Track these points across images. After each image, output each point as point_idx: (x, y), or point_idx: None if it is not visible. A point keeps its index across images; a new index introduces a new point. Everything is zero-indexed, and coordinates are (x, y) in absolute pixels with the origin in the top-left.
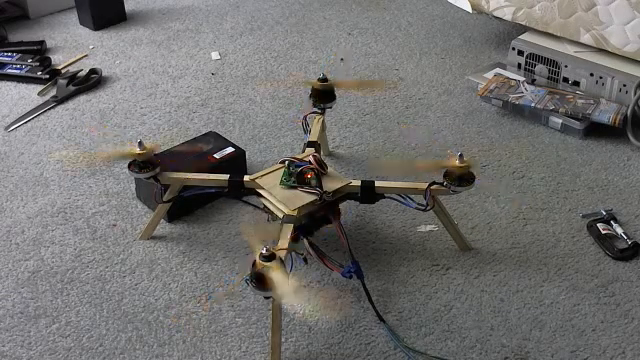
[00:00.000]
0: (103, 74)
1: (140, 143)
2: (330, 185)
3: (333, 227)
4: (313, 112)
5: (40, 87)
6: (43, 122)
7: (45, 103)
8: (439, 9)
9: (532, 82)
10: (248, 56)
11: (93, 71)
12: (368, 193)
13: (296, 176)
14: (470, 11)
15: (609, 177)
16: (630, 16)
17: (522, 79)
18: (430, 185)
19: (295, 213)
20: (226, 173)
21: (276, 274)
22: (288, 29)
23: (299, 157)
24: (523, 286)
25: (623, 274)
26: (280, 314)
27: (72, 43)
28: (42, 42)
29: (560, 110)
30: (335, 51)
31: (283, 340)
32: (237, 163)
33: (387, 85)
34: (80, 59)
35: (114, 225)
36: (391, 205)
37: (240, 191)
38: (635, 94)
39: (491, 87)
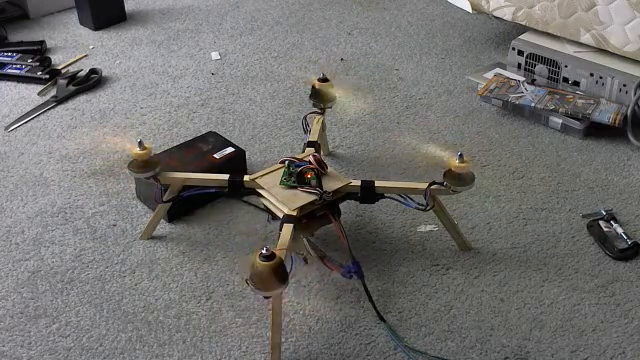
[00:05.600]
0: (103, 74)
1: (140, 143)
2: (330, 185)
3: (333, 227)
4: (313, 112)
5: (40, 87)
6: (43, 122)
7: (45, 103)
8: (439, 9)
9: (532, 82)
10: (248, 56)
11: (93, 71)
12: (368, 193)
13: (296, 176)
14: (470, 11)
15: (609, 177)
16: (630, 16)
17: (522, 79)
18: (430, 185)
19: (295, 213)
20: (226, 173)
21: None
22: (288, 29)
23: (299, 157)
24: (523, 286)
25: (623, 274)
26: (280, 314)
27: (72, 43)
28: (42, 42)
29: (560, 110)
30: (335, 52)
31: (283, 340)
32: (237, 163)
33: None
34: (80, 59)
35: (114, 225)
36: (391, 205)
37: (240, 191)
38: (635, 94)
39: (491, 87)
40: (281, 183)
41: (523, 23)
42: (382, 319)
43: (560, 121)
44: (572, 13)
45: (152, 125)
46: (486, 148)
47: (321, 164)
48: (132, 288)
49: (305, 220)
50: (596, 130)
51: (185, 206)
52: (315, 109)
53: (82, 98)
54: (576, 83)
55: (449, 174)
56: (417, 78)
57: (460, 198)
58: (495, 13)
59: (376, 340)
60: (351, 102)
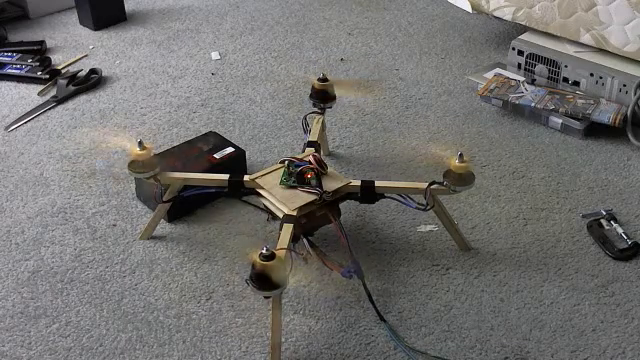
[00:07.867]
0: (103, 74)
1: (140, 143)
2: (330, 185)
3: (333, 227)
4: (313, 112)
5: (40, 87)
6: (43, 122)
7: (45, 103)
8: (439, 9)
9: (532, 82)
10: (248, 56)
11: (93, 71)
12: (368, 193)
13: (296, 176)
14: (470, 11)
15: (609, 177)
16: (630, 16)
17: (522, 79)
18: (430, 185)
19: (295, 213)
20: (226, 173)
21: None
22: (288, 29)
23: (299, 157)
24: (523, 286)
25: (623, 274)
26: (280, 314)
27: (72, 43)
28: (42, 42)
29: (560, 110)
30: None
31: (283, 340)
32: (237, 163)
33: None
34: (80, 59)
35: (114, 225)
36: (391, 205)
37: (240, 191)
38: (635, 94)
39: (491, 87)
40: (281, 183)
41: (523, 23)
42: (382, 319)
43: (560, 121)
44: (572, 13)
45: (152, 125)
46: (486, 148)
47: (321, 164)
48: (132, 288)
49: (305, 220)
50: (596, 130)
51: (185, 206)
52: (315, 109)
53: (82, 98)
54: (576, 83)
55: (449, 174)
56: (417, 78)
57: (460, 198)
58: (495, 13)
59: (376, 340)
60: (351, 102)
